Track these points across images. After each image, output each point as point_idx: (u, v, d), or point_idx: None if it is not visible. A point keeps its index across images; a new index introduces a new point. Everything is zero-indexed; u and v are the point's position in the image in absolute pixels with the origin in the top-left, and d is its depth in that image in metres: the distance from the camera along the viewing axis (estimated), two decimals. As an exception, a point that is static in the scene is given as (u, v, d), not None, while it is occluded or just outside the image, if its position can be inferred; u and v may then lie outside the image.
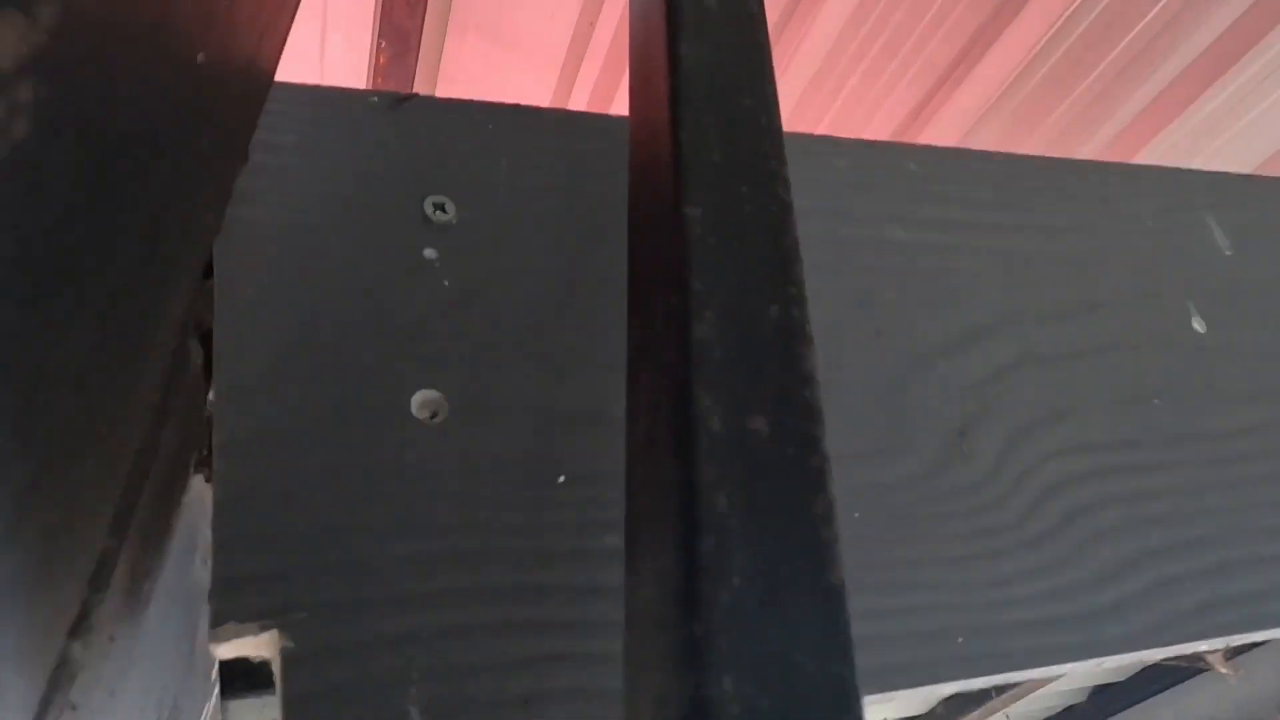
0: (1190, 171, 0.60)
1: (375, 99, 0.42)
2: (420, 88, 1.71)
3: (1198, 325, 0.52)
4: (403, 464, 0.33)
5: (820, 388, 0.28)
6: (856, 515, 0.38)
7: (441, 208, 0.40)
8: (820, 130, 1.78)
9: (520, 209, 0.41)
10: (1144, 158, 1.63)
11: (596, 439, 0.36)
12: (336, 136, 0.40)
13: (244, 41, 0.34)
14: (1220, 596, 0.42)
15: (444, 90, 1.71)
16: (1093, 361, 0.48)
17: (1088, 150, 1.65)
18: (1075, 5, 1.48)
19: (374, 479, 0.33)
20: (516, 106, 0.44)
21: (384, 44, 1.65)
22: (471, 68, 1.69)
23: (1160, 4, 1.42)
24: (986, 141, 1.69)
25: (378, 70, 1.66)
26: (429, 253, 0.38)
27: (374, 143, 0.41)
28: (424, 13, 1.60)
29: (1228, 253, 0.57)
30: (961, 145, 1.71)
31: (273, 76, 0.39)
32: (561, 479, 0.35)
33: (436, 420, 0.34)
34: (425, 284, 0.37)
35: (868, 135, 1.75)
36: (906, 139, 1.77)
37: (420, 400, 0.35)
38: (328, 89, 0.41)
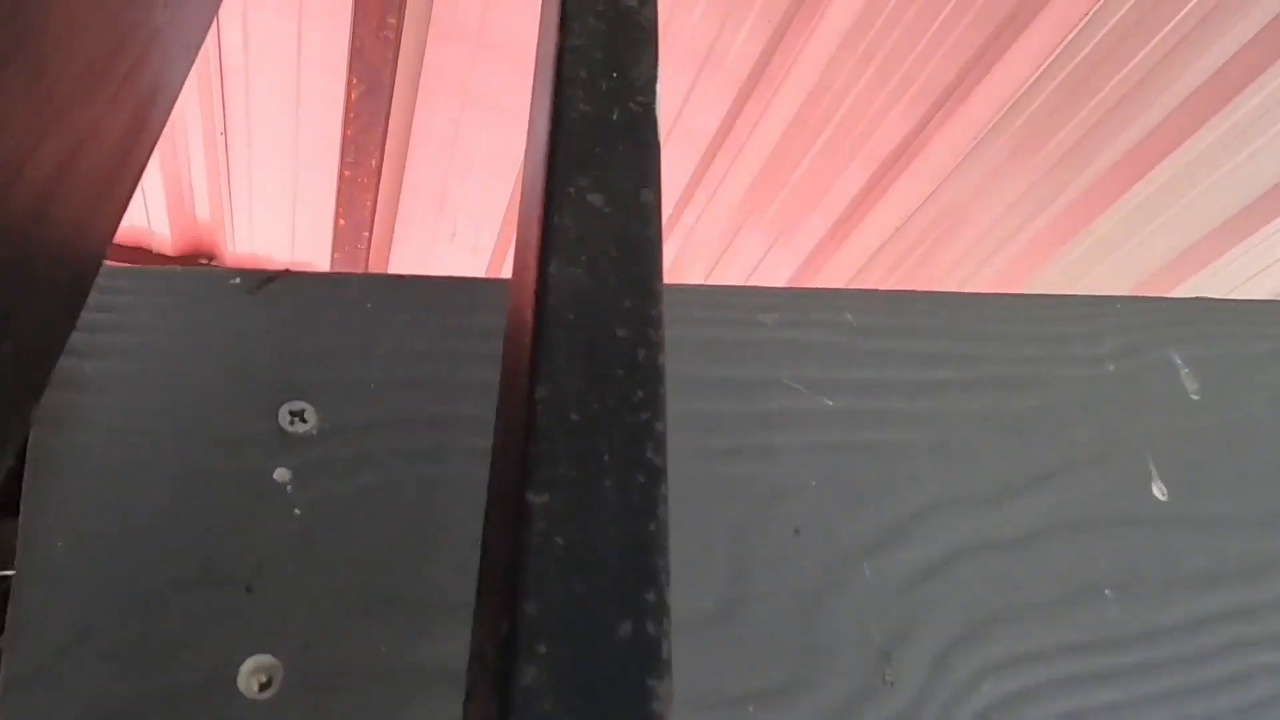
0: (1158, 301, 0.56)
1: (237, 280, 0.38)
2: (400, 89, 1.66)
3: (1158, 492, 0.48)
4: (227, 748, 0.29)
5: (672, 732, 0.24)
6: (756, 773, 0.34)
7: (300, 416, 0.36)
8: (806, 162, 1.74)
9: (393, 411, 0.37)
10: (1136, 193, 1.59)
11: (456, 706, 0.32)
12: (186, 330, 0.36)
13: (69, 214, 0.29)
14: (1168, 841, 0.38)
15: (425, 94, 1.66)
16: (1038, 548, 0.44)
17: (1081, 183, 1.61)
18: (1070, 38, 1.43)
19: (190, 772, 0.29)
20: (399, 277, 0.40)
21: (355, 80, 1.61)
22: (455, 70, 1.64)
23: (1161, 34, 1.37)
24: (982, 170, 1.65)
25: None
26: (280, 474, 0.34)
27: (229, 336, 0.36)
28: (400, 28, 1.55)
29: (1195, 397, 0.53)
30: (955, 174, 1.67)
31: (102, 258, 0.35)
32: (411, 759, 0.31)
33: (268, 694, 0.30)
34: (271, 516, 0.33)
35: (861, 162, 1.71)
36: (898, 168, 1.72)
37: (251, 668, 0.31)
38: (181, 271, 0.37)
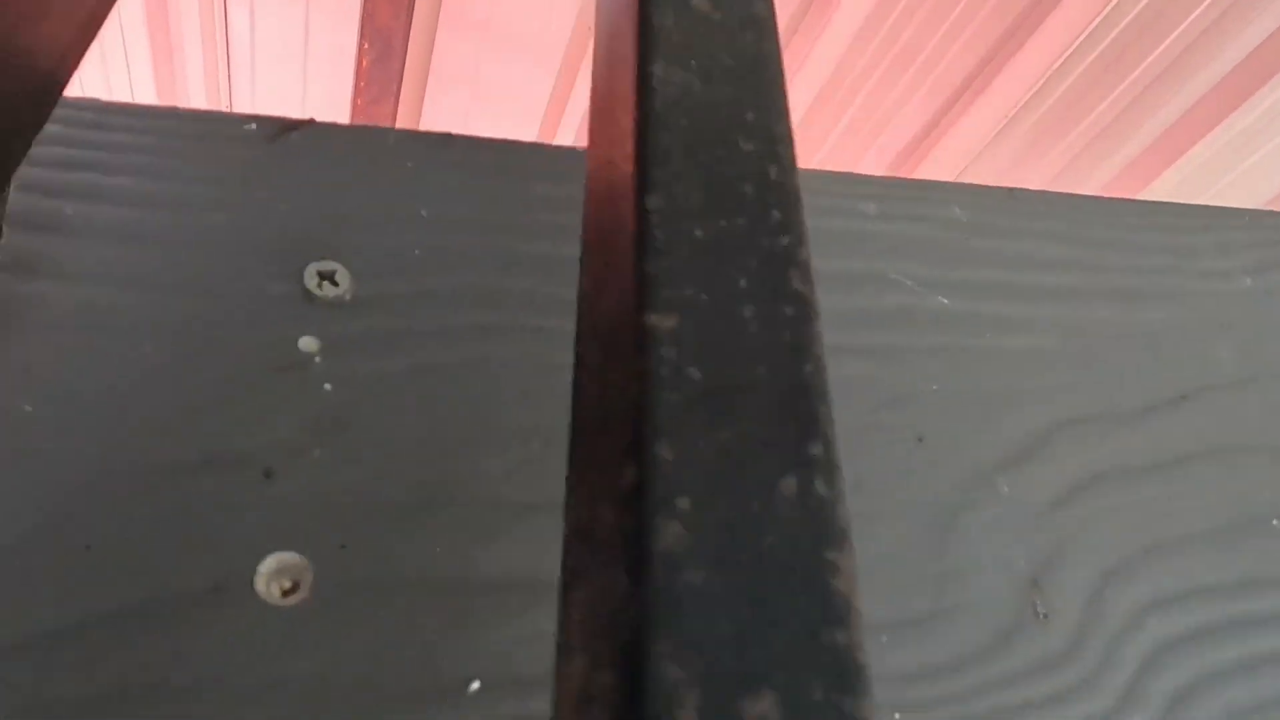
0: (1286, 216, 0.50)
1: (253, 125, 0.31)
2: (408, 87, 1.60)
3: (1314, 416, 0.42)
4: (236, 666, 0.23)
5: (860, 622, 0.17)
6: (897, 716, 0.27)
7: (330, 278, 0.29)
8: (824, 151, 1.68)
9: (441, 282, 0.30)
10: (1157, 188, 1.53)
11: (530, 624, 0.25)
12: (191, 175, 0.30)
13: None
14: (1382, 812, 0.31)
15: (434, 89, 1.60)
16: (1191, 472, 0.37)
17: (1099, 178, 1.55)
18: (1090, 30, 1.37)
19: (194, 693, 0.22)
20: (448, 136, 0.34)
21: (367, 45, 1.55)
22: (463, 65, 1.59)
23: (1181, 27, 1.32)
24: (997, 164, 1.59)
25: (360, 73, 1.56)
26: (306, 343, 0.28)
27: (243, 187, 0.30)
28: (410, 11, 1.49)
29: (1339, 319, 0.46)
30: (970, 167, 1.61)
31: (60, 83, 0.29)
32: (475, 685, 0.24)
33: (293, 599, 0.24)
34: (296, 391, 0.27)
35: (875, 153, 1.65)
36: (914, 159, 1.66)
37: (272, 568, 0.24)
38: (185, 111, 0.31)
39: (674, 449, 0.18)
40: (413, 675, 0.24)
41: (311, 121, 0.32)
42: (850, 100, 1.58)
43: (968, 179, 1.60)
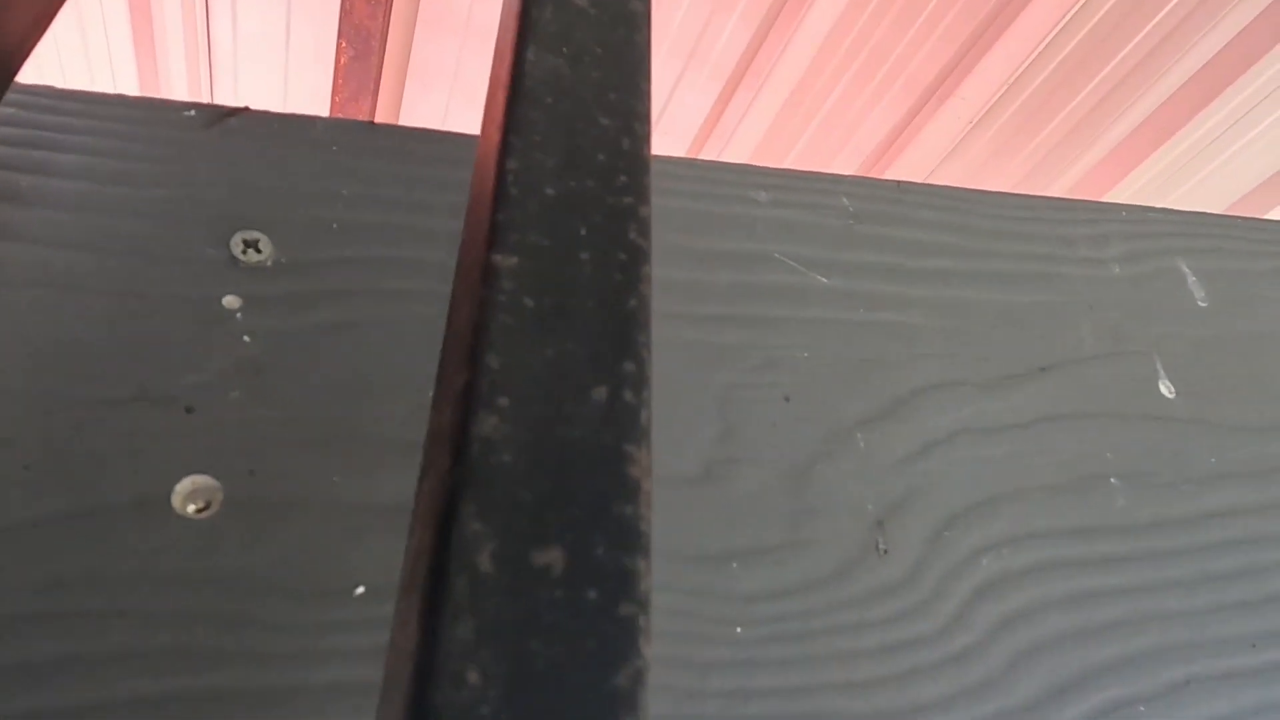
0: (1164, 211, 0.54)
1: (192, 112, 0.35)
2: (387, 83, 1.64)
3: (1165, 390, 0.46)
4: (157, 566, 0.26)
5: (648, 501, 0.21)
6: (739, 630, 0.31)
7: (254, 246, 0.33)
8: (794, 154, 1.72)
9: (355, 253, 0.34)
10: (1118, 193, 1.58)
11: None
12: (135, 155, 0.34)
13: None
14: (1182, 725, 0.35)
15: (413, 87, 1.64)
16: (1042, 434, 0.41)
17: (1064, 182, 1.60)
18: (1056, 33, 1.43)
19: (114, 589, 0.26)
20: (371, 124, 0.38)
21: (345, 43, 1.59)
22: (442, 62, 1.63)
23: (1145, 30, 1.37)
24: (967, 164, 1.64)
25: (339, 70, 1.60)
26: (230, 301, 0.32)
27: (181, 167, 0.34)
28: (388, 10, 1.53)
29: (1202, 304, 0.51)
30: (940, 168, 1.66)
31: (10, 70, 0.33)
32: (360, 589, 0.28)
33: (205, 515, 0.28)
34: (218, 340, 0.31)
35: (847, 154, 1.70)
36: (886, 160, 1.71)
37: (187, 489, 0.28)
38: (131, 98, 0.35)
39: (501, 359, 0.22)
40: (309, 579, 0.27)
41: (247, 109, 0.36)
42: (821, 102, 1.63)
43: (938, 179, 1.65)
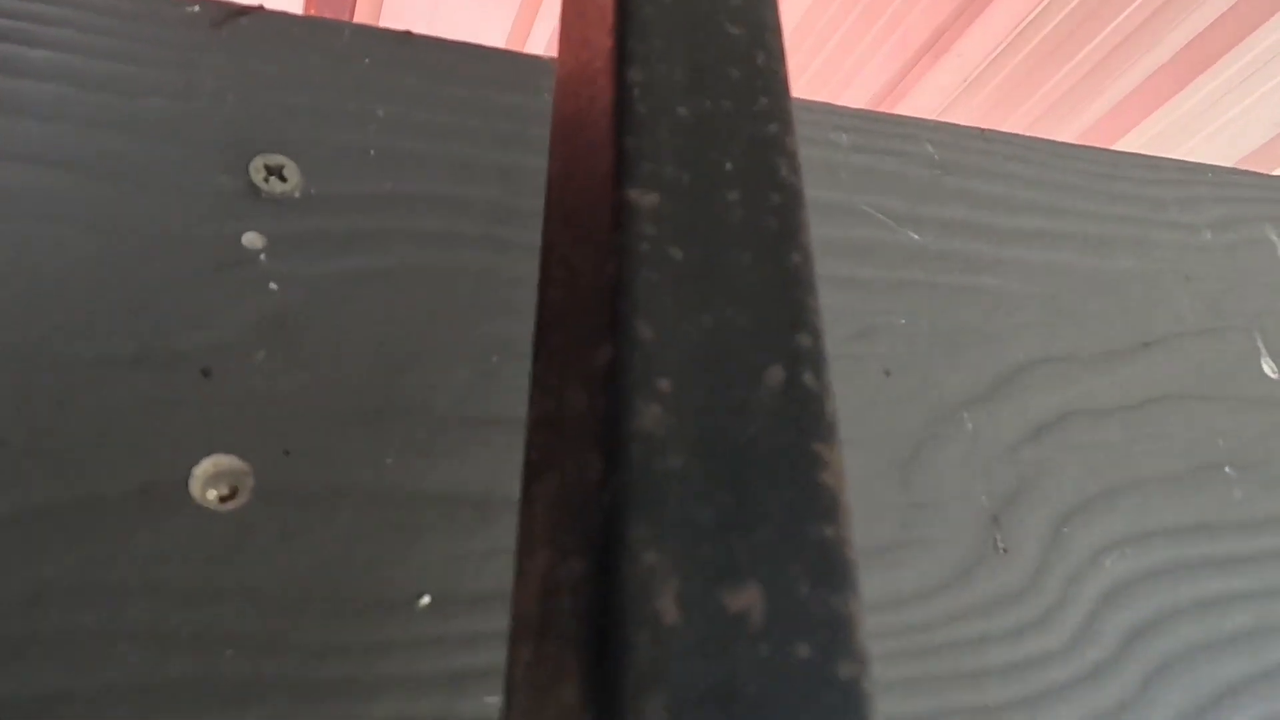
0: (1251, 174, 0.50)
1: (195, 8, 0.29)
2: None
3: (1269, 369, 0.42)
4: (170, 571, 0.21)
5: (849, 520, 0.16)
6: (858, 645, 0.27)
7: (279, 174, 0.27)
8: (797, 88, 1.66)
9: (397, 185, 0.29)
10: (1129, 142, 1.55)
11: (484, 540, 0.24)
12: (129, 56, 0.27)
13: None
14: (1323, 749, 0.31)
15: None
16: (1152, 417, 0.37)
17: (1070, 131, 1.56)
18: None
19: (116, 602, 0.20)
20: (408, 35, 0.32)
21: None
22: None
23: None
24: (968, 117, 1.60)
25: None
26: (251, 239, 0.26)
27: (184, 73, 0.28)
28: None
29: (1294, 277, 0.47)
30: (941, 118, 1.61)
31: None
32: (425, 600, 0.23)
33: (231, 505, 0.22)
34: (239, 288, 0.25)
35: (845, 102, 1.64)
36: (886, 106, 1.66)
37: (209, 471, 0.22)
38: (121, -11, 0.28)
39: (654, 328, 0.16)
40: (359, 588, 0.22)
41: (261, 8, 0.30)
42: (819, 50, 1.57)
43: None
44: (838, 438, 0.17)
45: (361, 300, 0.26)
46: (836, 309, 0.33)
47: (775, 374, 0.17)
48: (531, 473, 0.18)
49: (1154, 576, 0.32)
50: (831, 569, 0.15)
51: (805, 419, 0.17)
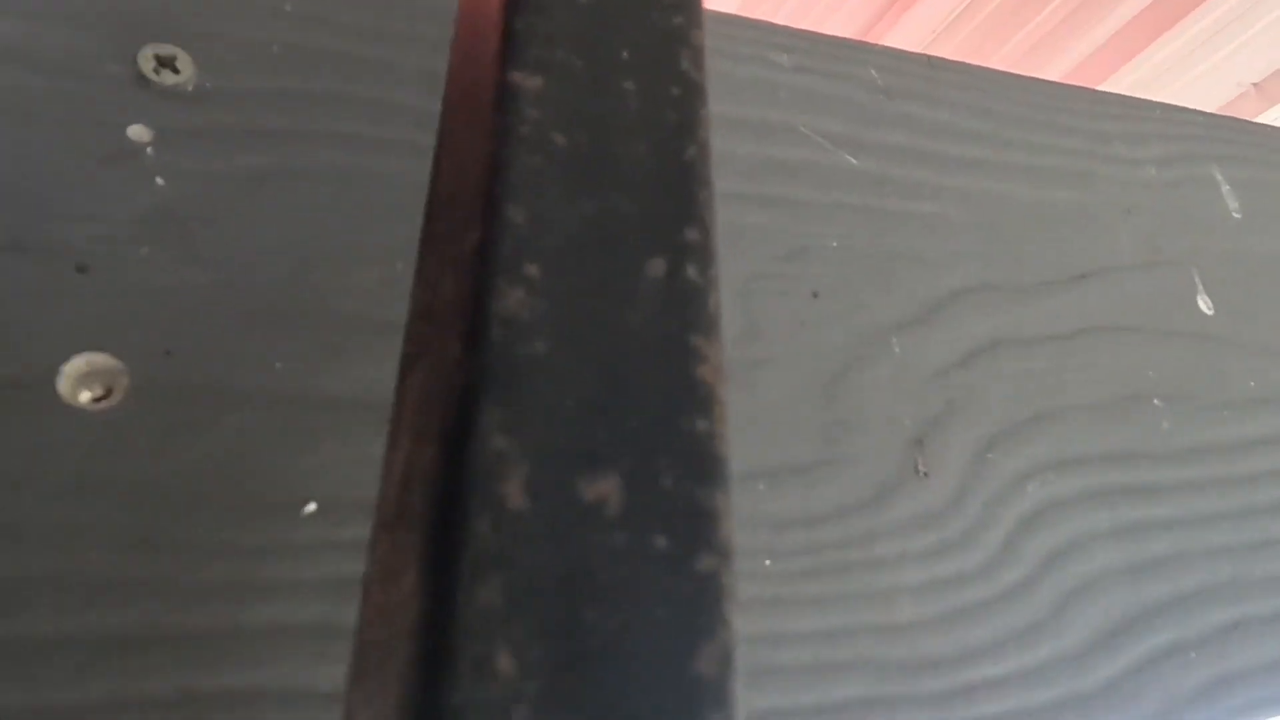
0: (1198, 113, 0.49)
1: (85, -113, 0.27)
2: None
3: (1204, 305, 0.42)
4: (36, 470, 0.20)
5: (724, 415, 0.15)
6: (767, 563, 0.26)
7: (171, 64, 0.25)
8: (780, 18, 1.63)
9: (301, 85, 0.27)
10: (1112, 84, 1.53)
11: (377, 444, 0.23)
12: (7, -64, 0.25)
13: None
14: (1231, 671, 0.32)
15: None
16: (1084, 347, 0.37)
17: (1054, 70, 1.55)
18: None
19: (-20, 502, 0.19)
20: (320, -73, 0.30)
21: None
22: None
23: None
24: (949, 54, 1.58)
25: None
26: (137, 132, 0.24)
27: (70, -48, 0.26)
28: None
29: (1236, 216, 0.47)
30: (929, 49, 1.59)
31: None
32: (311, 506, 0.22)
33: (104, 405, 0.21)
34: (120, 180, 0.24)
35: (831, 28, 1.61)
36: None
37: (79, 370, 0.21)
38: None
39: (526, 212, 0.16)
40: (241, 492, 0.21)
41: (158, -109, 0.28)
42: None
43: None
44: (719, 333, 0.16)
45: (261, 200, 0.25)
46: (767, 229, 0.33)
47: (657, 265, 0.16)
48: (405, 365, 0.17)
49: (1075, 503, 0.32)
50: (700, 462, 0.15)
51: (685, 312, 0.16)
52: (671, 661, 0.13)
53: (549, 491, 0.13)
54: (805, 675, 0.25)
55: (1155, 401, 0.37)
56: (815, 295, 0.32)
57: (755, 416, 0.28)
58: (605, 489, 0.14)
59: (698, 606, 0.13)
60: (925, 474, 0.30)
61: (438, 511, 0.13)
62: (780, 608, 0.26)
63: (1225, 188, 0.47)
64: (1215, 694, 0.31)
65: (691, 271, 0.17)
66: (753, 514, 0.27)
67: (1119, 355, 0.37)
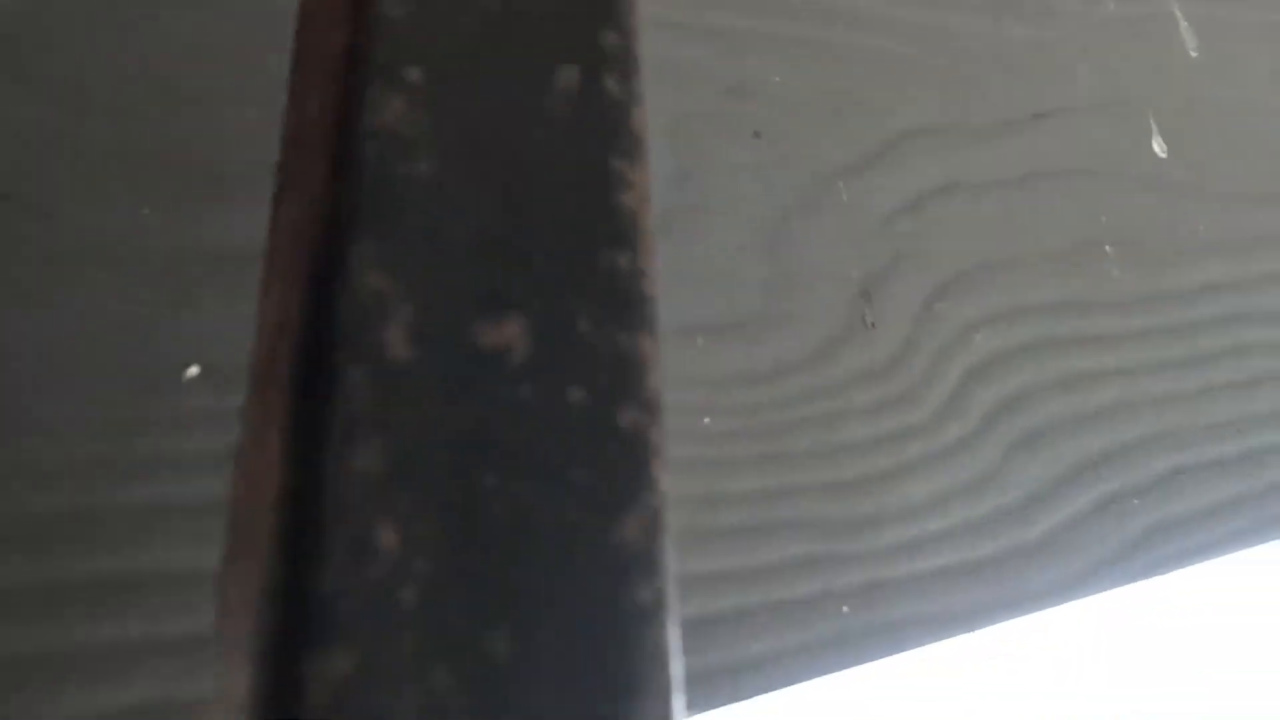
0: (1159, -57, 0.47)
1: None
2: None
3: (1158, 148, 0.40)
4: None
5: (651, 247, 0.13)
6: (706, 422, 0.25)
7: None
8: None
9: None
10: None
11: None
12: None
13: None
14: (1170, 518, 0.32)
15: None
16: (1037, 191, 0.35)
17: None
18: None
19: None
20: None
21: None
22: None
23: None
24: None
25: None
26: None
27: None
28: None
29: (1194, 54, 0.45)
30: None
31: None
32: (193, 370, 0.20)
33: (-63, 261, 0.18)
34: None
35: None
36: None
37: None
38: None
39: (405, 6, 0.13)
40: (111, 357, 0.19)
41: None
42: None
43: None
44: (644, 157, 0.14)
45: (121, 26, 0.21)
46: (704, 62, 0.30)
47: (569, 75, 0.14)
48: (276, 200, 0.15)
49: (1023, 352, 0.31)
50: (621, 302, 0.13)
51: (603, 130, 0.14)
52: (590, 530, 0.11)
53: (439, 338, 0.11)
54: (745, 537, 0.24)
55: (1106, 248, 0.36)
56: (756, 135, 0.29)
57: (691, 268, 0.26)
58: (508, 335, 0.12)
59: (620, 467, 0.12)
60: (872, 325, 0.29)
61: (304, 364, 0.11)
62: (720, 469, 0.24)
63: (1184, 24, 0.45)
64: (1155, 541, 0.31)
65: (610, 83, 0.14)
66: (690, 371, 0.25)
67: (1071, 200, 0.36)
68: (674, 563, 0.12)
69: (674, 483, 0.21)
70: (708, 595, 0.23)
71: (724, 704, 0.22)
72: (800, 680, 0.23)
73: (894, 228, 0.31)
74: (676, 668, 0.11)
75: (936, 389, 0.29)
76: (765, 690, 0.22)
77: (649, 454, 0.12)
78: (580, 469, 0.11)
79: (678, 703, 0.11)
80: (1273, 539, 0.35)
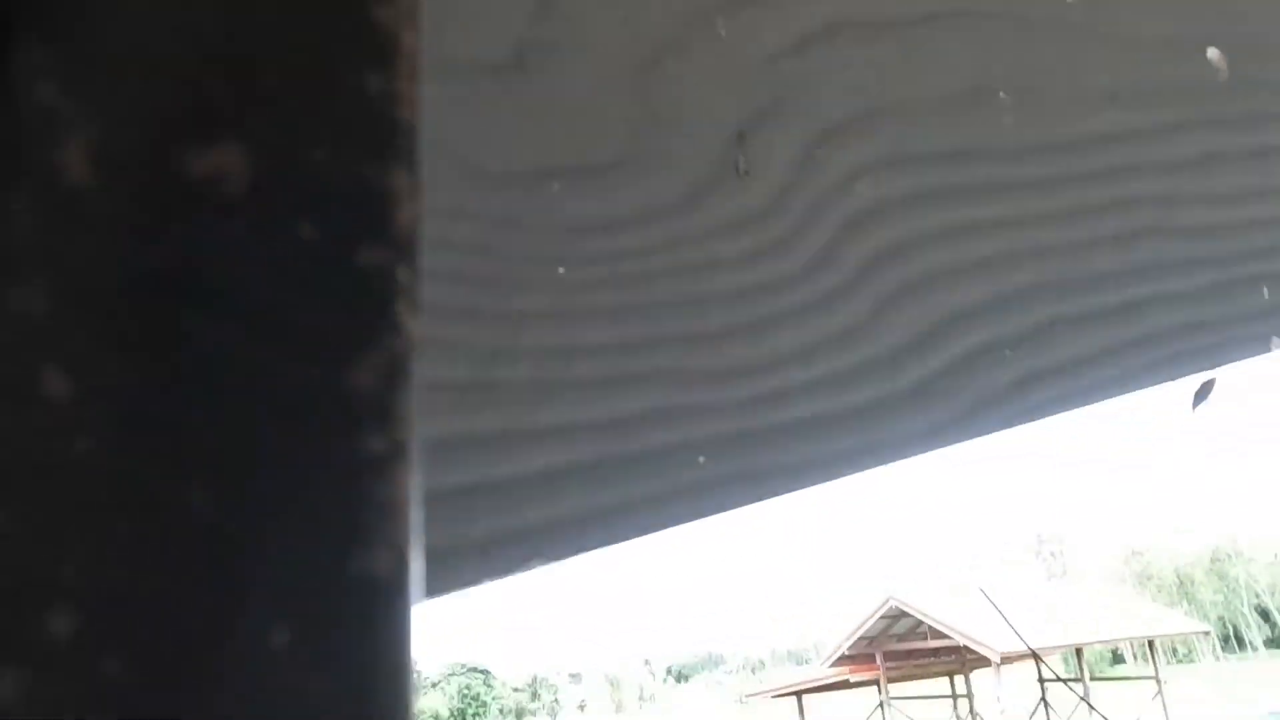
0: None
1: None
2: None
3: (1066, -10, 0.39)
4: None
5: (414, 65, 0.12)
6: (561, 271, 0.24)
7: None
8: None
9: None
10: None
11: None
12: None
13: None
14: (1044, 367, 0.32)
15: None
16: (931, 34, 0.33)
17: None
18: None
19: None
20: None
21: None
22: None
23: None
24: None
25: None
26: None
27: None
28: None
29: (1113, -111, 0.42)
30: None
31: None
32: None
33: None
34: None
35: None
36: None
37: None
38: None
39: None
40: None
41: None
42: None
43: None
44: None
45: None
46: (571, -121, 0.27)
47: None
48: None
49: (905, 202, 0.31)
50: (368, 129, 0.11)
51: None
52: (315, 377, 0.10)
53: (130, 162, 0.10)
54: (597, 389, 0.23)
55: (1001, 95, 0.35)
56: (628, -36, 0.27)
57: (550, 107, 0.25)
58: (221, 161, 0.10)
59: (355, 309, 0.11)
60: (746, 172, 0.27)
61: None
62: (575, 319, 0.24)
63: None
64: (1027, 389, 0.31)
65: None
66: (545, 219, 0.24)
67: (968, 45, 0.34)
68: (416, 410, 0.11)
69: (522, 335, 0.20)
70: (557, 447, 0.22)
71: (570, 555, 0.22)
72: (649, 531, 0.23)
73: (776, 67, 0.29)
74: (416, 518, 0.11)
75: (810, 239, 0.28)
76: (612, 541, 0.22)
77: (392, 294, 0.11)
78: (306, 311, 0.10)
79: (415, 553, 0.11)
80: (1145, 385, 0.35)
